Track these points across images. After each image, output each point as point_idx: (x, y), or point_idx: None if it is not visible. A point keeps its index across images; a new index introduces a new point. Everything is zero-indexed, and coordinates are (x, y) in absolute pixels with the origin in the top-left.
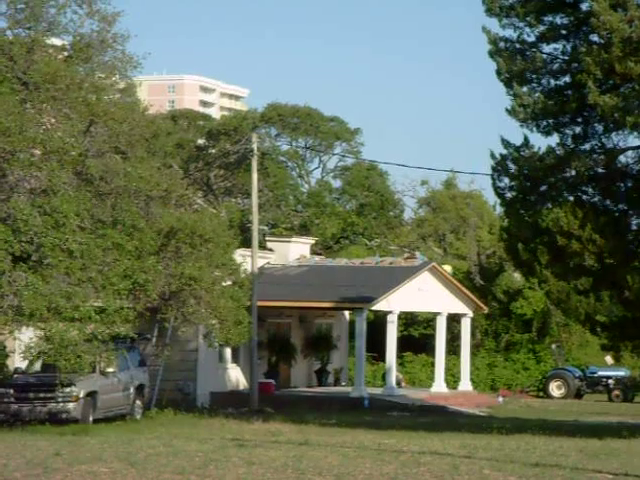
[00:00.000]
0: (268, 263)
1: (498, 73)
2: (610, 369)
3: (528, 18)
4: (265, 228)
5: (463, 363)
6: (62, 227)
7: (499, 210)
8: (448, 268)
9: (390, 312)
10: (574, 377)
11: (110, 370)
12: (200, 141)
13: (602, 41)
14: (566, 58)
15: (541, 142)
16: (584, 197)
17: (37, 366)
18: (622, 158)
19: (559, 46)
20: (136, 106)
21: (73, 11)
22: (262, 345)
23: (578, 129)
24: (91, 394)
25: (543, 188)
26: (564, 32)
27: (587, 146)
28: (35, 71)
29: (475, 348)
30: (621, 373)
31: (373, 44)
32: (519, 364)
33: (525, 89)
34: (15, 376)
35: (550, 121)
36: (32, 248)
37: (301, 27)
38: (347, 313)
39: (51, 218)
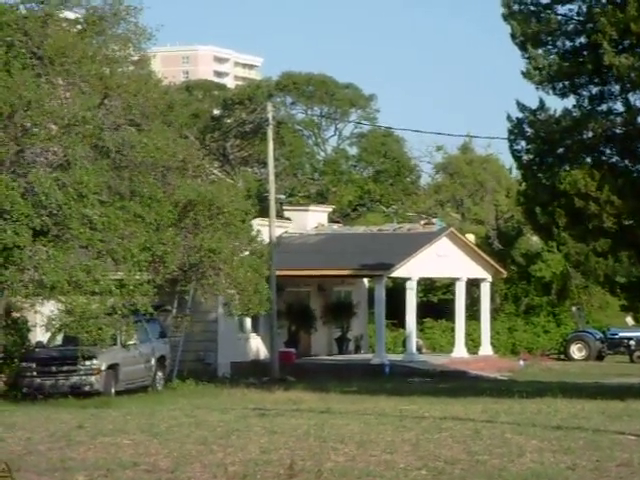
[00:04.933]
0: (286, 232)
1: (512, 36)
2: (631, 330)
3: None
4: (282, 197)
5: (483, 328)
6: (84, 198)
7: (516, 174)
8: (471, 237)
9: (409, 278)
10: (595, 339)
11: (131, 342)
12: (215, 111)
13: (617, 1)
14: (581, 19)
15: (557, 104)
16: (602, 158)
17: (58, 339)
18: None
19: (574, 7)
20: (150, 78)
21: None
22: (282, 314)
23: (595, 90)
24: (113, 366)
25: (560, 150)
26: None
27: (604, 107)
28: (48, 45)
29: (495, 312)
30: None
31: (386, 9)
32: (539, 327)
33: (540, 51)
34: (37, 350)
35: (566, 83)
36: (52, 222)
37: None
38: (366, 280)
39: (72, 190)
